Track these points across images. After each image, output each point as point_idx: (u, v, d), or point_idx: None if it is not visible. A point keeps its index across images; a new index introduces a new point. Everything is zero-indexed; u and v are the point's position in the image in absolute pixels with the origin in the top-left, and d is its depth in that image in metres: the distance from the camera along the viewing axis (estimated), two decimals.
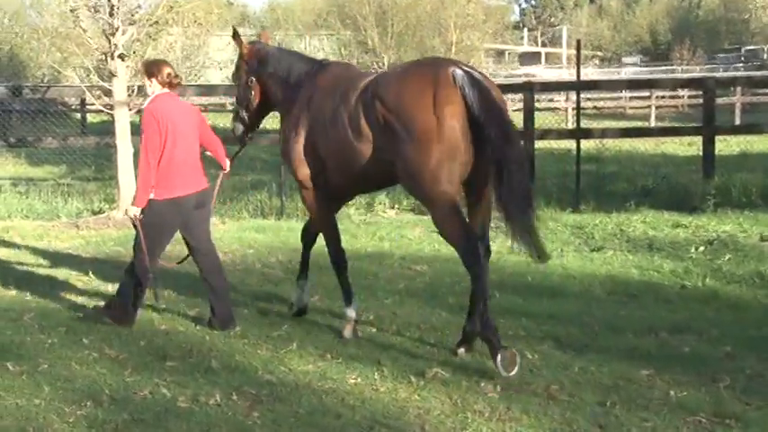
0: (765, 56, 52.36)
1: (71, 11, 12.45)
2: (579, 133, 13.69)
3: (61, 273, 8.75)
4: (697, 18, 67.54)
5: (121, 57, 12.10)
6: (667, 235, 10.21)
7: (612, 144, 18.60)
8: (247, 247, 10.12)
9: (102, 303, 7.20)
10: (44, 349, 6.27)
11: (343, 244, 6.85)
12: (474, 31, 42.04)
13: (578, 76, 13.99)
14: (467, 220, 5.85)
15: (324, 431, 4.84)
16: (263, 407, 5.16)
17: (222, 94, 23.05)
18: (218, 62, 36.65)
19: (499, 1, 55.22)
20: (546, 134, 14.62)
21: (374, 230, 10.81)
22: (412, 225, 11.14)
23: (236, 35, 7.19)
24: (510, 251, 9.53)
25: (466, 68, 5.80)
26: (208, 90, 24.07)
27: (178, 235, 7.02)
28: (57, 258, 9.50)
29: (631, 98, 34.85)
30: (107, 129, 14.70)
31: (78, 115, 26.11)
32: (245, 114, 7.21)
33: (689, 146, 19.94)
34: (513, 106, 28.06)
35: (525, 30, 72.54)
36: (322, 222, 6.81)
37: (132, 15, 12.33)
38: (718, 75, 37.02)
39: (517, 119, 19.58)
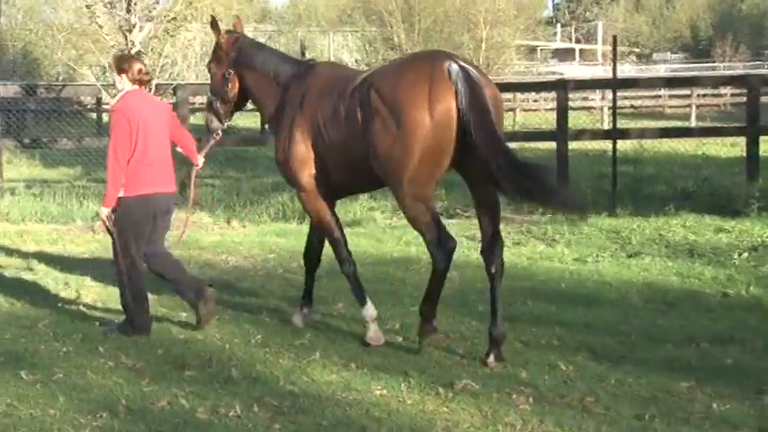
0: None
1: (87, 7, 12.58)
2: (615, 133, 13.64)
3: (76, 278, 8.81)
4: (740, 12, 67.10)
5: (138, 54, 12.18)
6: (709, 240, 10.14)
7: (651, 145, 18.48)
8: (268, 251, 10.15)
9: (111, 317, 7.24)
10: (59, 358, 6.31)
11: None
12: (505, 27, 41.96)
13: (614, 73, 13.94)
14: (441, 220, 6.15)
15: None
16: (284, 419, 5.17)
17: None
18: None
19: None
20: (580, 134, 14.57)
21: (400, 235, 10.80)
22: None
23: (213, 24, 7.33)
24: (542, 257, 9.55)
25: (462, 64, 5.97)
26: None
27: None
28: (72, 263, 9.56)
29: (671, 97, 34.68)
30: None
31: (94, 115, 26.27)
32: (218, 106, 7.31)
33: (732, 147, 19.79)
34: (547, 105, 28.13)
35: (559, 25, 72.32)
36: (326, 224, 6.87)
37: (150, 11, 12.43)
38: (762, 72, 36.73)
39: (550, 118, 19.58)
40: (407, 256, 9.63)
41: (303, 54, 13.24)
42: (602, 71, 46.40)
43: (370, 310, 6.62)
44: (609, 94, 24.67)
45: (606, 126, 23.72)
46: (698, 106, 31.64)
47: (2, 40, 40.44)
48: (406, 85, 5.95)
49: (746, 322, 6.99)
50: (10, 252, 10.20)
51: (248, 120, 25.21)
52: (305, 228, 11.67)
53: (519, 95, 30.98)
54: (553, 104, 18.29)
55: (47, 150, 18.56)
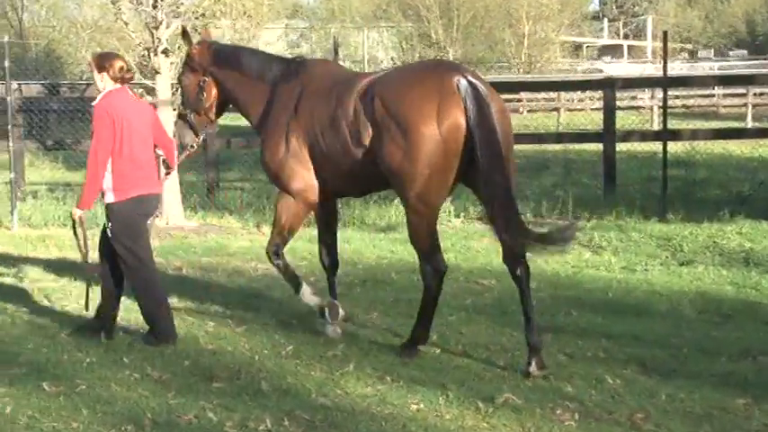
0: None
1: (112, 3, 12.68)
2: (666, 134, 13.56)
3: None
4: None
5: (165, 52, 12.28)
6: (766, 248, 10.05)
7: (703, 146, 18.33)
8: (300, 259, 10.16)
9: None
10: (82, 369, 6.36)
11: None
12: (548, 23, 41.92)
13: (665, 71, 13.85)
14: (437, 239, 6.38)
15: None
16: None
17: None
18: None
19: None
20: (629, 136, 14.49)
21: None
22: (479, 235, 11.09)
23: (184, 34, 7.47)
24: (588, 265, 9.50)
25: (470, 78, 6.14)
26: None
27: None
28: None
29: (725, 96, 34.37)
30: None
31: None
32: (193, 118, 7.43)
33: None
34: (593, 104, 28.00)
35: (605, 21, 71.99)
36: (288, 230, 7.12)
37: (177, 7, 12.48)
38: None
39: (596, 118, 19.49)
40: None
41: (336, 52, 13.24)
42: (652, 68, 46.06)
43: (308, 291, 7.09)
44: (659, 93, 24.48)
45: (656, 127, 23.54)
46: (754, 106, 31.30)
47: (24, 37, 40.95)
48: (415, 99, 6.10)
49: None
50: (32, 258, 10.31)
51: None
52: (339, 233, 11.71)
53: (563, 95, 30.84)
54: (599, 104, 18.20)
55: (70, 152, 18.71)
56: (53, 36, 41.41)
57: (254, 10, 15.00)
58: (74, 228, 7.13)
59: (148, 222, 7.18)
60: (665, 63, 13.86)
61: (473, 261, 9.83)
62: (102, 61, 7.03)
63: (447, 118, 6.01)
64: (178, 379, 6.11)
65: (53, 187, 15.78)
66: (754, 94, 32.19)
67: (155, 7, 12.14)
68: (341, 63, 12.57)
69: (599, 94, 15.40)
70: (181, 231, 11.85)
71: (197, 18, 12.76)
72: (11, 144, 13.58)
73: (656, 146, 15.01)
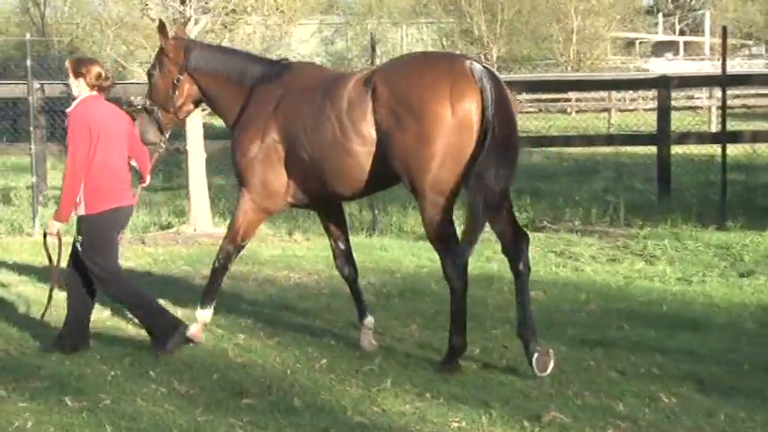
0: None
1: None
2: (725, 137, 13.46)
3: None
4: None
5: None
6: None
7: (766, 149, 18.18)
8: (334, 267, 10.18)
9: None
10: (106, 383, 6.41)
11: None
12: (599, 18, 41.71)
13: (724, 68, 13.74)
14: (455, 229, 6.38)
15: None
16: None
17: None
18: (301, 55, 37.13)
19: None
20: (685, 138, 14.42)
21: (481, 250, 10.75)
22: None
23: (161, 28, 7.51)
24: (641, 275, 9.44)
25: (484, 64, 6.25)
26: None
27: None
28: None
29: None
30: (176, 132, 14.91)
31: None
32: (160, 115, 7.51)
33: None
34: (646, 104, 27.84)
35: (660, 15, 71.56)
36: (244, 236, 7.15)
37: (206, 3, 12.56)
38: None
39: (650, 119, 19.39)
40: (488, 274, 9.58)
41: (373, 49, 13.24)
42: (709, 66, 45.72)
43: (208, 315, 7.20)
44: (717, 93, 24.30)
45: (714, 128, 23.40)
46: None
47: (47, 34, 41.36)
48: (426, 82, 6.17)
49: None
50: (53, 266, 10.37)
51: None
52: (375, 240, 11.76)
53: (614, 94, 30.68)
54: (653, 104, 18.09)
55: None
56: (77, 33, 41.83)
57: (286, 5, 15.01)
58: (44, 239, 7.31)
59: (121, 233, 7.32)
60: (724, 60, 13.76)
61: None
62: (80, 67, 7.13)
63: (461, 99, 6.06)
64: (206, 394, 6.14)
65: None
66: None
67: (183, 3, 12.21)
68: (377, 60, 12.59)
69: (653, 93, 15.30)
70: (209, 239, 11.91)
71: (227, 14, 12.83)
72: (32, 146, 13.74)
73: (715, 149, 14.92)
